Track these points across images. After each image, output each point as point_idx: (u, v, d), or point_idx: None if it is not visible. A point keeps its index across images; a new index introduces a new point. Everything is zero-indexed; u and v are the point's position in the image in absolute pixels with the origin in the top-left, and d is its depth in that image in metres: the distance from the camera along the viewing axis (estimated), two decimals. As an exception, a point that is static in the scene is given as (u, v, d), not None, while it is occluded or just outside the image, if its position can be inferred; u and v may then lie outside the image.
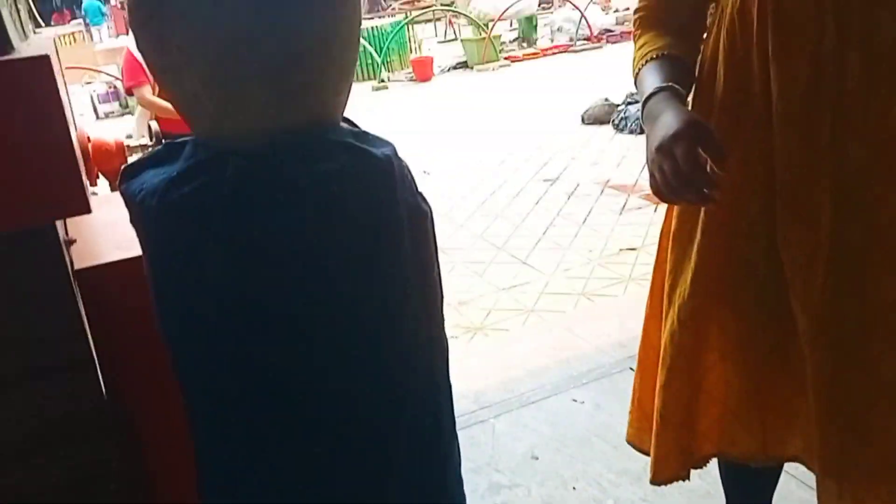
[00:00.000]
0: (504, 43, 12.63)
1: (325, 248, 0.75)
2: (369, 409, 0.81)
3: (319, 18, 0.73)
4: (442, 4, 14.59)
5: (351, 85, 0.82)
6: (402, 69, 11.86)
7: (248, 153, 0.73)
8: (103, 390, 0.91)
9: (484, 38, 11.51)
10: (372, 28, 11.99)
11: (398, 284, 0.80)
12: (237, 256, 0.72)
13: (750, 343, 1.21)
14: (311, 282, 0.75)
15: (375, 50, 11.32)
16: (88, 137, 1.26)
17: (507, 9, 12.10)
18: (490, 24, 11.81)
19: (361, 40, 9.40)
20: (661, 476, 1.32)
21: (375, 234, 0.77)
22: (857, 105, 1.05)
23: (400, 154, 0.80)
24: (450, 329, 3.65)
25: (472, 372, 2.55)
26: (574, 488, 1.91)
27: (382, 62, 11.30)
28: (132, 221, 0.79)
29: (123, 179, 0.79)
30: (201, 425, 0.84)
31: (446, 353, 0.93)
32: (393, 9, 15.31)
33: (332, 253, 0.75)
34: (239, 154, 0.73)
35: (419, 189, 0.85)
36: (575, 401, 2.27)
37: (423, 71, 11.17)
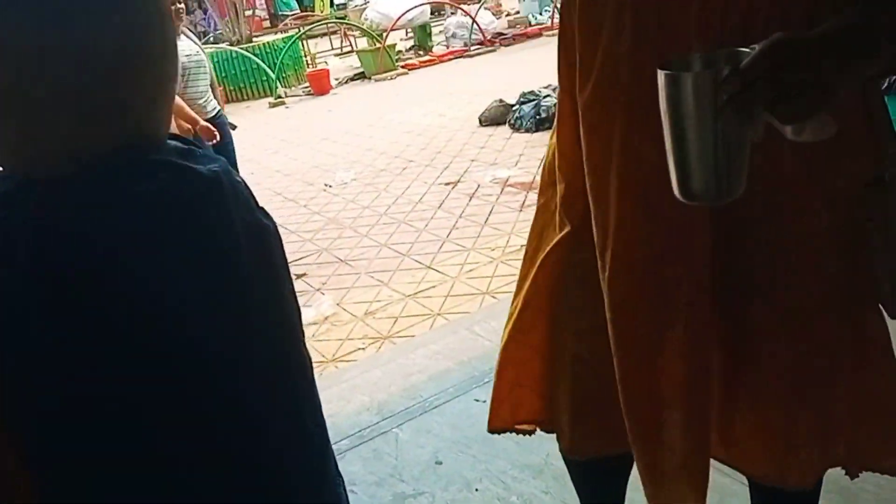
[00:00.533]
0: (400, 52, 12.66)
1: (147, 276, 0.71)
2: (221, 442, 0.78)
3: (118, 32, 0.69)
4: (335, 17, 14.49)
5: (172, 97, 0.79)
6: (299, 84, 11.71)
7: (53, 181, 0.69)
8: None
9: (379, 49, 11.50)
10: (264, 45, 11.80)
11: (236, 305, 0.77)
12: (47, 296, 0.68)
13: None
14: (134, 314, 0.71)
15: (269, 66, 11.14)
16: None
17: (399, 17, 12.14)
18: (384, 34, 11.82)
19: (254, 57, 9.18)
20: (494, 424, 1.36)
21: (204, 255, 0.74)
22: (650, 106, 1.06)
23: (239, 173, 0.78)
24: (357, 341, 3.61)
25: (375, 383, 2.52)
26: (477, 490, 1.91)
27: (277, 78, 11.13)
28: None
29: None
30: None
31: (309, 370, 0.90)
32: (286, 24, 15.12)
33: (156, 280, 0.71)
34: (44, 183, 0.69)
35: (259, 205, 0.83)
36: (477, 400, 2.28)
37: (319, 84, 11.06)
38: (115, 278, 0.69)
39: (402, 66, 11.71)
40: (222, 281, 0.75)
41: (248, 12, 12.90)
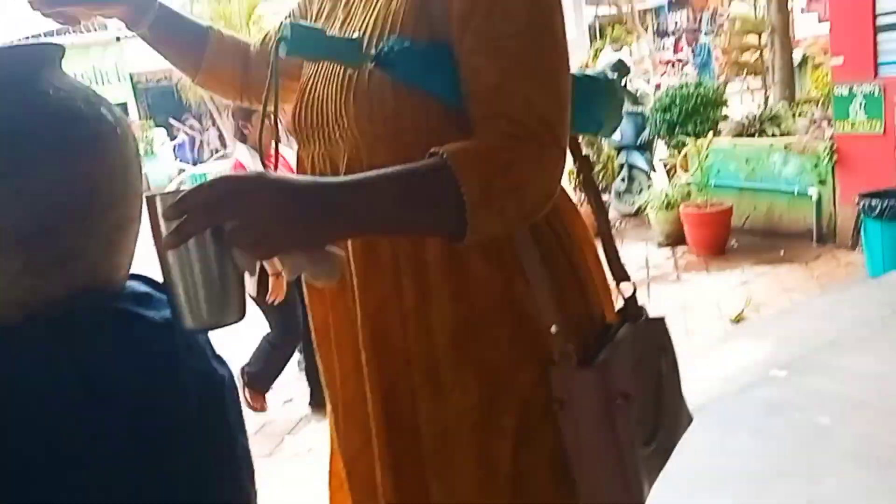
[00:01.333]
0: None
1: (91, 432, 0.67)
2: None
3: (76, 180, 0.68)
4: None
5: (135, 238, 0.77)
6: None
7: (2, 329, 0.66)
8: None
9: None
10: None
11: (184, 458, 0.73)
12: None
13: None
14: (77, 473, 0.67)
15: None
16: None
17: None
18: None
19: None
20: None
21: (151, 406, 0.70)
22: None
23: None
24: None
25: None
26: None
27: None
28: None
29: None
30: None
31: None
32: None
33: (101, 435, 0.67)
34: (-10, 330, 0.66)
35: (216, 352, 0.80)
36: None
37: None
38: (58, 435, 0.66)
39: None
40: (167, 434, 0.71)
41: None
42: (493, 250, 0.84)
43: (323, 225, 0.65)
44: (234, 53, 1.06)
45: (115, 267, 0.75)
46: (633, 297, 0.95)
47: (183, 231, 0.61)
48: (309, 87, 0.91)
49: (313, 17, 0.97)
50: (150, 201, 0.64)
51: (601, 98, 0.96)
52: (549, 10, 0.76)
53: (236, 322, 0.71)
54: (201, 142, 14.43)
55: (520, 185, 0.74)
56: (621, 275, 0.97)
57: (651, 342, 0.96)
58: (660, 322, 0.97)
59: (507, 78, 0.74)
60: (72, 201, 0.68)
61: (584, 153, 0.98)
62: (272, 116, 0.85)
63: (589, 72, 1.00)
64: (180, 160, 12.88)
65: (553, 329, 0.85)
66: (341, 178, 0.80)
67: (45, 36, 11.95)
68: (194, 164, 12.61)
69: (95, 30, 13.94)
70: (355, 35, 0.83)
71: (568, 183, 0.95)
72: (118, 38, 13.74)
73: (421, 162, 0.73)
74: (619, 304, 0.97)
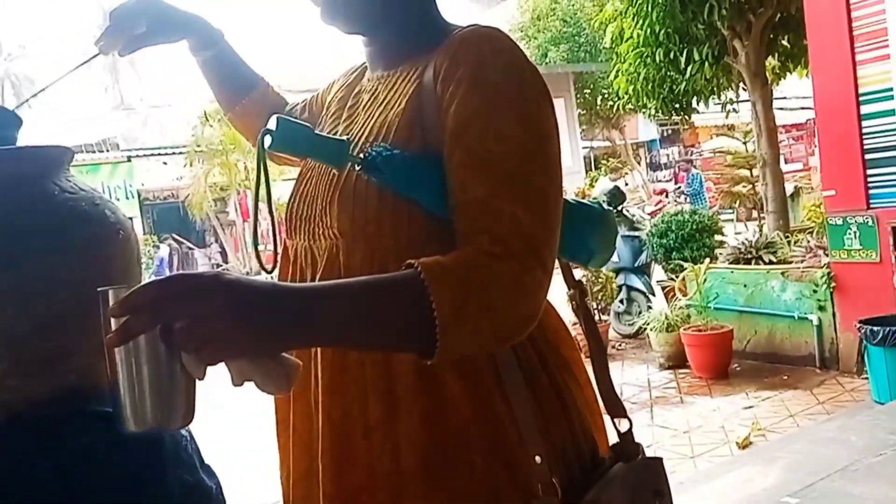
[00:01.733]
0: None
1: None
2: None
3: (71, 279, 0.68)
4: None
5: None
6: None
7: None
8: None
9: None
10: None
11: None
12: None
13: None
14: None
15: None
16: None
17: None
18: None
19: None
20: None
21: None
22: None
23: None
24: None
25: None
26: None
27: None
28: None
29: None
30: None
31: None
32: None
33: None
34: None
35: (205, 463, 0.76)
36: None
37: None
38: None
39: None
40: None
41: (261, 247, 13.50)
42: (469, 368, 0.78)
43: (276, 333, 0.61)
44: (273, 108, 1.04)
45: (103, 369, 0.72)
46: (629, 433, 0.88)
47: (127, 329, 0.57)
48: (305, 177, 0.90)
49: (322, 111, 0.97)
50: (103, 295, 0.61)
51: (594, 227, 0.93)
52: (544, 134, 0.76)
53: (182, 427, 0.66)
54: (186, 255, 14.57)
55: (496, 305, 0.70)
56: (615, 409, 0.89)
57: (646, 484, 0.88)
58: (657, 462, 0.90)
59: (495, 195, 0.72)
60: (66, 300, 0.67)
61: (577, 278, 0.95)
62: (268, 204, 0.83)
63: (583, 199, 0.98)
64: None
65: (537, 459, 0.78)
66: (305, 285, 0.77)
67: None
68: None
69: (109, 150, 14.41)
70: (344, 137, 0.83)
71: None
72: (129, 158, 14.16)
73: (394, 273, 0.70)
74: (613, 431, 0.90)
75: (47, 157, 0.76)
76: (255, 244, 0.90)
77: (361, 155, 0.77)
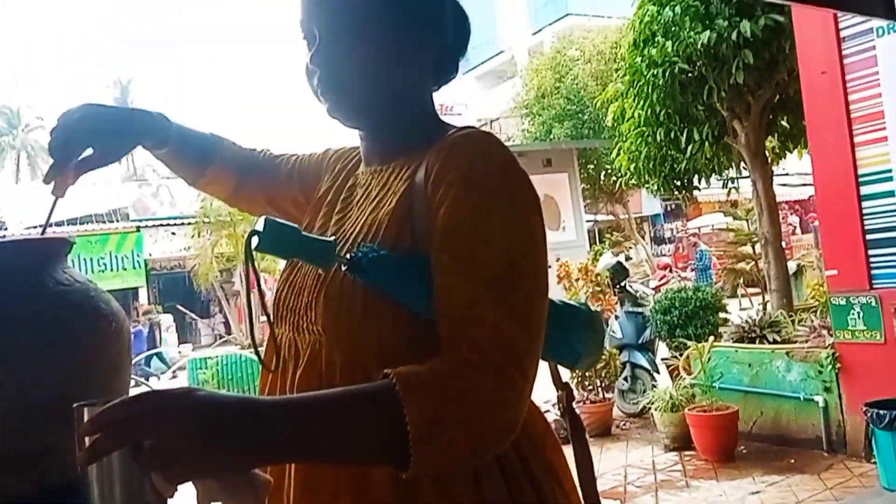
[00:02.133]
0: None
1: None
2: None
3: (62, 372, 0.68)
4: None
5: None
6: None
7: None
8: None
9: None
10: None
11: None
12: None
13: None
14: None
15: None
16: None
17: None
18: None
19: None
20: None
21: None
22: None
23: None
24: None
25: None
26: None
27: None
28: None
29: None
30: None
31: None
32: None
33: None
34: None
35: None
36: None
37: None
38: None
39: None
40: None
41: (263, 318, 13.46)
42: (448, 479, 0.76)
43: (242, 450, 0.60)
44: (235, 168, 1.06)
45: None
46: None
47: (96, 449, 0.56)
48: (296, 268, 0.90)
49: (314, 205, 0.97)
50: (77, 411, 0.60)
51: (580, 330, 0.92)
52: (531, 240, 0.76)
53: None
54: (190, 325, 14.48)
55: (472, 417, 0.68)
56: None
57: None
58: None
59: (478, 301, 0.72)
60: (53, 396, 0.67)
61: (564, 381, 0.94)
62: (260, 301, 0.83)
63: (570, 301, 0.96)
64: (148, 348, 12.64)
65: None
66: (276, 399, 0.76)
67: (68, 224, 12.47)
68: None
69: (119, 220, 14.58)
70: (332, 238, 0.83)
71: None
72: (138, 229, 14.32)
73: (369, 385, 0.69)
74: None
75: (46, 250, 0.77)
76: (255, 346, 0.89)
77: (348, 255, 0.77)
